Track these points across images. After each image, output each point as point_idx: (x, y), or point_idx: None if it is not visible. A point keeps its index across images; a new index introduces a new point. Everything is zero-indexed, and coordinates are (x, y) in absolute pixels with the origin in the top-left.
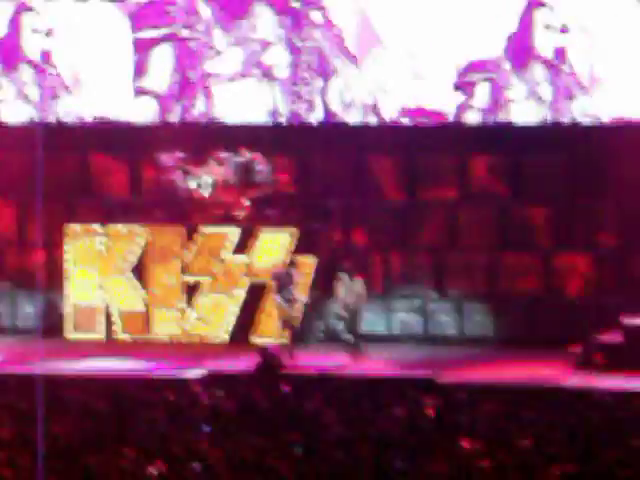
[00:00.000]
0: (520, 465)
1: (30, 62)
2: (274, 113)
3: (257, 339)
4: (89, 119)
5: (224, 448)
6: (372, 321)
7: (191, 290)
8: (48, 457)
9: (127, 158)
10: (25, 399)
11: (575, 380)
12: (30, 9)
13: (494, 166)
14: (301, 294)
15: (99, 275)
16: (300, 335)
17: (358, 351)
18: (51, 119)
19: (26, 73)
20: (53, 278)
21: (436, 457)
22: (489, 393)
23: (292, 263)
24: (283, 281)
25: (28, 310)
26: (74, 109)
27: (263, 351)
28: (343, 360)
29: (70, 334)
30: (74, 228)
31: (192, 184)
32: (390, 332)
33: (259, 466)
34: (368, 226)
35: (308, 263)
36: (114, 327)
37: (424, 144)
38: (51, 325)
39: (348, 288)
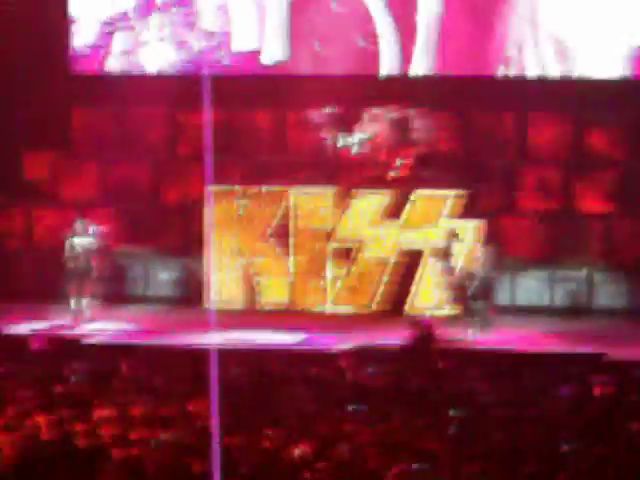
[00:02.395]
0: None
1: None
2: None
3: (410, 311)
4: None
5: (374, 428)
6: (534, 291)
7: (339, 257)
8: (184, 437)
9: (272, 113)
10: (159, 374)
11: None
12: None
13: None
14: (465, 264)
15: (240, 240)
16: (463, 307)
17: (486, 323)
18: (189, 70)
19: (165, 18)
20: (191, 243)
21: (606, 441)
22: None
23: (454, 231)
24: (448, 249)
25: (164, 277)
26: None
27: (417, 324)
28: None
29: (209, 303)
30: (214, 190)
31: (343, 142)
32: (553, 303)
33: (412, 448)
34: (531, 189)
35: (470, 228)
36: (256, 297)
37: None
38: (188, 294)
39: (482, 255)
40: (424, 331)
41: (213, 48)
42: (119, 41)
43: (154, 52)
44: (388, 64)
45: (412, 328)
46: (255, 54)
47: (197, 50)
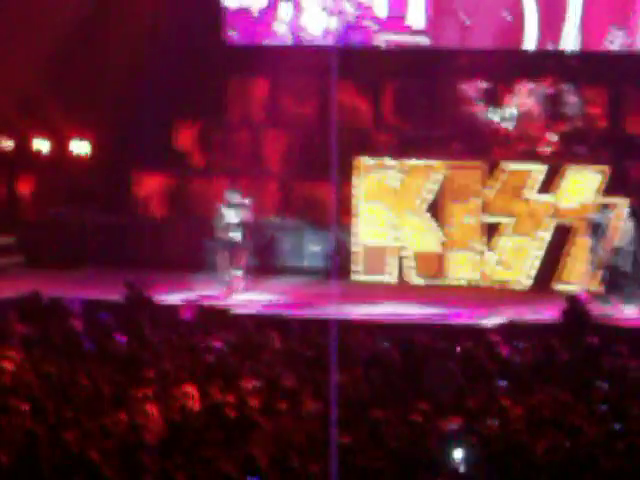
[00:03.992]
0: None
1: None
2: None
3: (561, 286)
4: (382, 43)
5: (524, 404)
6: None
7: (491, 231)
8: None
9: (424, 87)
10: (309, 345)
11: None
12: None
13: None
14: (615, 239)
15: (392, 213)
16: (614, 283)
17: (635, 299)
18: (343, 43)
19: None
20: (342, 215)
21: None
22: None
23: (607, 206)
24: (598, 225)
25: (314, 249)
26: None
27: (571, 299)
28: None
29: (359, 276)
30: (366, 162)
31: (495, 116)
32: None
33: (561, 424)
34: None
35: (619, 205)
36: (407, 270)
37: None
38: (339, 266)
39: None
40: (580, 306)
41: (362, 17)
42: (283, 10)
43: (315, 21)
44: (535, 39)
45: (568, 303)
46: (402, 23)
47: (350, 19)
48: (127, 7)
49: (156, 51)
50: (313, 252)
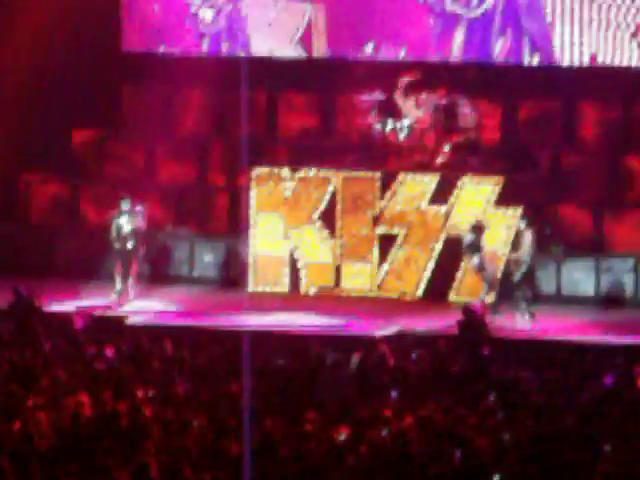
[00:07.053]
0: None
1: None
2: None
3: (454, 297)
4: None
5: (414, 414)
6: (578, 281)
7: (384, 242)
8: (225, 418)
9: (319, 97)
10: (201, 355)
11: None
12: None
13: None
14: (504, 251)
15: (285, 223)
16: (505, 295)
17: (530, 311)
18: (237, 52)
19: None
20: (236, 225)
21: None
22: None
23: (477, 226)
24: (476, 243)
25: (208, 259)
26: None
27: (466, 310)
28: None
29: (252, 286)
30: (260, 172)
31: (389, 127)
32: (598, 294)
33: (452, 434)
34: (578, 181)
35: (513, 216)
36: (300, 280)
37: None
38: (232, 276)
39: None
40: (476, 317)
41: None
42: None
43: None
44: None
45: (464, 314)
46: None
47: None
48: (26, 9)
49: (55, 55)
50: (207, 262)
